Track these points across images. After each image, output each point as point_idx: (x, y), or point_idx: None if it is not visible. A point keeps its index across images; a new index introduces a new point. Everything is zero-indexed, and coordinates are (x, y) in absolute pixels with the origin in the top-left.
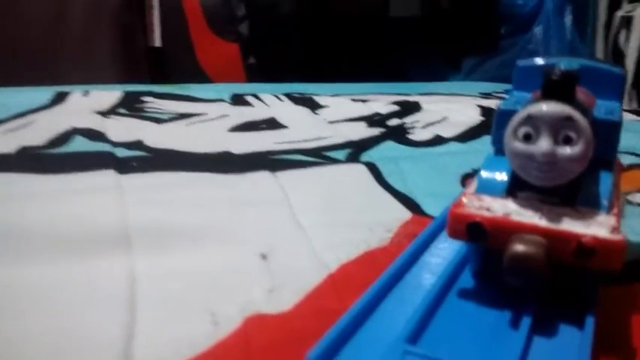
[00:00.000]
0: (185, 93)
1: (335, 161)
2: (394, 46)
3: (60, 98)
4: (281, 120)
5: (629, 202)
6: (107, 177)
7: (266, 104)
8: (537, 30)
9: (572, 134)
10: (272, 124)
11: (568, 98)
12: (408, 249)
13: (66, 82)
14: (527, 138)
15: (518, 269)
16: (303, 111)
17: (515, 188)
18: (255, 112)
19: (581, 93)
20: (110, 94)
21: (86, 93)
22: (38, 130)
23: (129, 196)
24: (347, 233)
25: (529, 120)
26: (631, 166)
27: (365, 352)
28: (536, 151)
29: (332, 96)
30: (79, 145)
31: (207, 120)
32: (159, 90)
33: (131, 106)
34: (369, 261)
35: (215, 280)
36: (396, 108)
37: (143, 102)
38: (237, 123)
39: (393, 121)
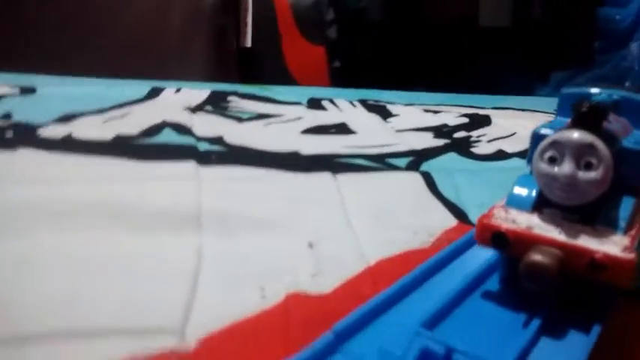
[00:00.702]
0: (266, 94)
1: (395, 168)
2: (482, 56)
3: (154, 93)
4: (351, 125)
5: None
6: (188, 167)
7: (340, 109)
8: (634, 46)
9: (593, 160)
10: (342, 129)
11: (594, 128)
12: (444, 250)
13: (163, 78)
14: (553, 160)
15: (532, 275)
16: (374, 118)
17: (541, 205)
18: (329, 116)
19: (617, 122)
20: (199, 92)
21: (178, 90)
22: (133, 121)
23: (205, 184)
24: (391, 234)
25: (555, 145)
26: None
27: (385, 330)
28: (559, 173)
29: (405, 105)
30: (168, 137)
31: (283, 121)
32: (243, 90)
33: (217, 104)
34: (407, 259)
35: (268, 262)
36: (465, 120)
37: (228, 101)
38: (310, 126)
39: (460, 134)
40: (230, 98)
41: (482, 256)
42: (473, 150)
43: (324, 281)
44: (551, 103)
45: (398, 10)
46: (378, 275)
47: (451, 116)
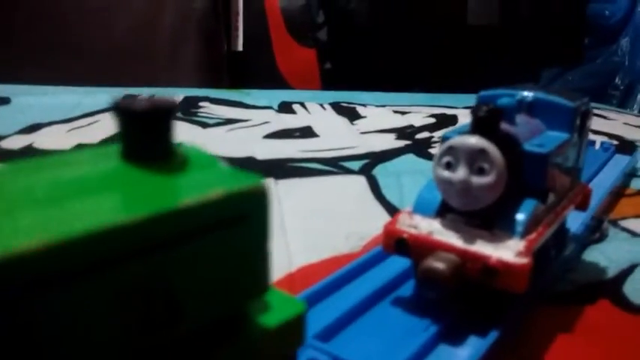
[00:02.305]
0: (239, 99)
1: (347, 171)
2: (471, 55)
3: None
4: (316, 129)
5: (620, 227)
6: None
7: (309, 112)
8: (624, 42)
9: (485, 165)
10: (306, 132)
11: (490, 132)
12: (365, 256)
13: (153, 84)
14: (449, 166)
15: (427, 281)
16: (340, 121)
17: (444, 210)
18: (296, 120)
19: (527, 124)
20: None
21: (152, 97)
22: (97, 130)
23: None
24: (322, 240)
25: (450, 150)
26: None
27: None
28: (454, 179)
29: (378, 106)
30: None
31: (249, 126)
32: (215, 95)
33: (187, 110)
34: (332, 265)
35: None
36: (431, 121)
37: (199, 107)
38: (275, 130)
39: (423, 134)
40: (202, 104)
41: (403, 261)
42: (431, 150)
43: None
44: None
45: (387, 11)
46: (298, 281)
47: (419, 117)
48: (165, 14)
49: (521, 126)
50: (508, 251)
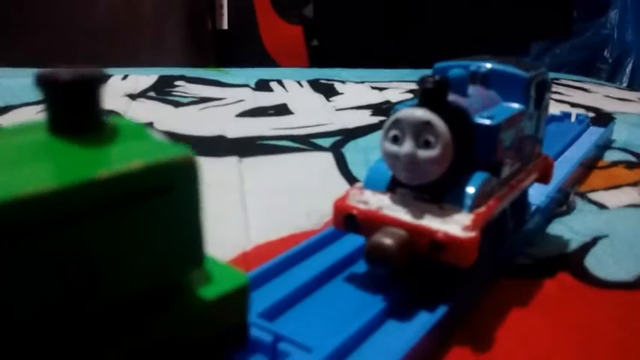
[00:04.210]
0: (216, 78)
1: (318, 148)
2: (461, 28)
3: None
4: (291, 106)
5: (588, 200)
6: None
7: (285, 90)
8: (613, 14)
9: (431, 138)
10: (281, 110)
11: (437, 104)
12: (318, 235)
13: (138, 64)
14: (396, 139)
15: (373, 257)
16: (316, 98)
17: (395, 185)
18: (271, 97)
19: (480, 95)
20: (147, 78)
21: (125, 77)
22: None
23: None
24: (283, 217)
25: (397, 123)
26: (616, 163)
27: None
28: (401, 152)
29: (357, 82)
30: None
31: (222, 105)
32: (191, 74)
33: (161, 89)
34: (289, 243)
35: None
36: (409, 96)
37: (174, 86)
38: (248, 108)
39: None
40: (177, 83)
41: (358, 238)
42: None
43: None
44: None
45: None
46: (252, 260)
47: (396, 92)
48: None
49: (474, 98)
50: (455, 225)
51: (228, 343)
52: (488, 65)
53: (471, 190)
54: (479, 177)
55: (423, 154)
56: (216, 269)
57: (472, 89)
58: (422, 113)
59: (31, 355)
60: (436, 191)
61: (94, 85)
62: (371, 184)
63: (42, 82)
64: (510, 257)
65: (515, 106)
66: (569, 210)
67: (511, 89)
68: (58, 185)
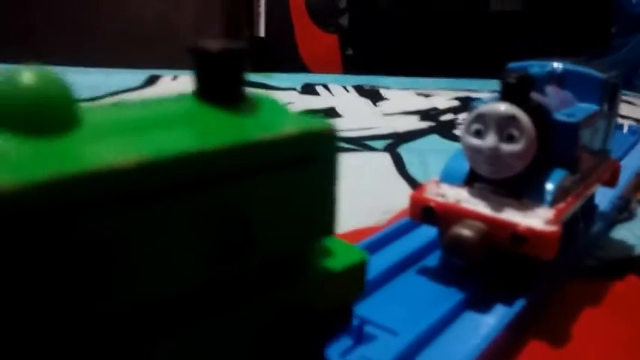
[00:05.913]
0: (263, 81)
1: (371, 149)
2: (494, 41)
3: (152, 81)
4: (339, 110)
5: None
6: None
7: (332, 94)
8: None
9: (515, 132)
10: (330, 112)
11: (519, 100)
12: (390, 227)
13: (179, 68)
14: (478, 133)
15: (455, 249)
16: (364, 102)
17: (472, 179)
18: (319, 101)
19: (556, 95)
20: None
21: (175, 77)
22: None
23: None
24: (344, 213)
25: (480, 118)
26: None
27: None
28: (483, 146)
29: (401, 89)
30: None
31: None
32: None
33: None
34: (354, 237)
35: None
36: (455, 103)
37: None
38: (299, 110)
39: (447, 116)
40: None
41: (428, 233)
42: (456, 132)
43: None
44: None
45: None
46: None
47: (442, 99)
48: (189, 1)
49: (551, 97)
50: (537, 219)
51: (338, 320)
52: (564, 66)
53: (551, 185)
54: (559, 173)
55: (507, 148)
56: (335, 245)
57: (548, 88)
58: (506, 108)
59: (195, 302)
60: (515, 186)
61: (239, 56)
62: (448, 178)
63: (194, 52)
64: (581, 257)
65: (591, 106)
66: (631, 216)
67: (587, 90)
68: (221, 144)
